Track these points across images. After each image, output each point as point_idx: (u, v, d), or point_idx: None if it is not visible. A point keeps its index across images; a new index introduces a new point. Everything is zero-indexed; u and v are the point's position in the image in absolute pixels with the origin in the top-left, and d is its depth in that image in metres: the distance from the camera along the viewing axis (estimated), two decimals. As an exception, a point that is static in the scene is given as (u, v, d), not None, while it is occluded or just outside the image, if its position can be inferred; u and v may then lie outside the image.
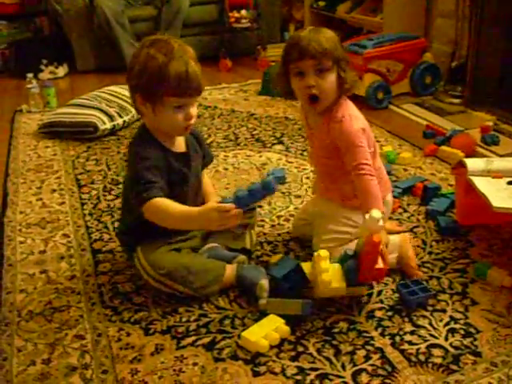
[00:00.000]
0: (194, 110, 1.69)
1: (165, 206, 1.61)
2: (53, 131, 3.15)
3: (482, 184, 1.86)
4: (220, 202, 1.59)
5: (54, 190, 2.51)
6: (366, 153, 1.72)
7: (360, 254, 1.59)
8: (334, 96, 1.75)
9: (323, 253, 1.62)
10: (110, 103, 3.26)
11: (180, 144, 1.79)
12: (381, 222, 1.59)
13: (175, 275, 1.68)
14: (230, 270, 1.75)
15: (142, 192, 1.63)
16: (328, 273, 1.60)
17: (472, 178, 1.90)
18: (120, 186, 2.51)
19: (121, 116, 3.20)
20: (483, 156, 2.55)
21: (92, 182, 2.57)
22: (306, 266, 1.70)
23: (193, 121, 1.70)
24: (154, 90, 1.61)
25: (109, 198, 2.41)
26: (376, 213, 1.59)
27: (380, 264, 1.58)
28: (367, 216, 1.60)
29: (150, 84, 1.61)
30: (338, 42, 1.74)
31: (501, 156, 2.57)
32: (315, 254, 1.64)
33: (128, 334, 1.60)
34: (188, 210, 1.63)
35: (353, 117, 1.75)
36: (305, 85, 1.71)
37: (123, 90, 3.43)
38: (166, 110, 1.65)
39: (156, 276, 1.70)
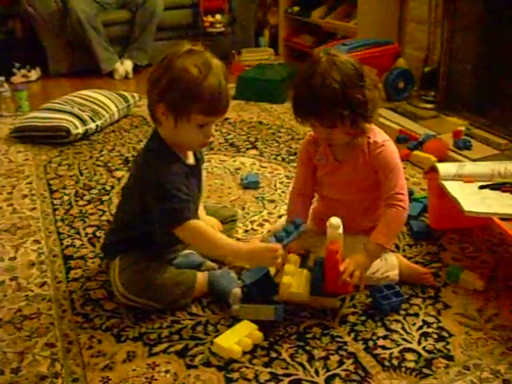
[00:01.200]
0: (213, 130, 1.65)
1: (204, 231, 1.62)
2: (24, 135, 3.12)
3: (453, 188, 1.88)
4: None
5: (26, 196, 2.48)
6: (404, 180, 1.72)
7: (324, 268, 1.61)
8: (351, 137, 1.69)
9: (292, 257, 1.65)
10: (82, 107, 3.23)
11: (190, 155, 1.74)
12: (340, 230, 1.58)
13: (146, 294, 1.66)
14: (202, 279, 1.73)
15: (176, 211, 1.59)
16: (290, 276, 1.62)
17: (444, 182, 1.92)
18: (92, 191, 2.48)
19: (94, 120, 3.17)
20: (455, 160, 2.57)
21: (64, 187, 2.54)
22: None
23: (211, 139, 1.67)
24: (183, 105, 1.54)
25: (81, 203, 2.39)
26: (335, 220, 1.58)
27: (341, 271, 1.57)
28: (328, 224, 1.59)
29: (181, 99, 1.53)
30: (352, 78, 1.59)
31: (473, 160, 2.59)
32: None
33: (99, 342, 1.58)
34: (236, 244, 1.69)
35: (390, 141, 1.73)
36: (317, 134, 1.71)
37: (96, 94, 3.40)
38: (189, 127, 1.58)
39: (127, 295, 1.67)
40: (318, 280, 1.62)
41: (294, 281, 1.62)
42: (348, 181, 1.76)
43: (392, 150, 1.71)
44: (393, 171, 1.68)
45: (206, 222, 1.75)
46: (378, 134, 1.73)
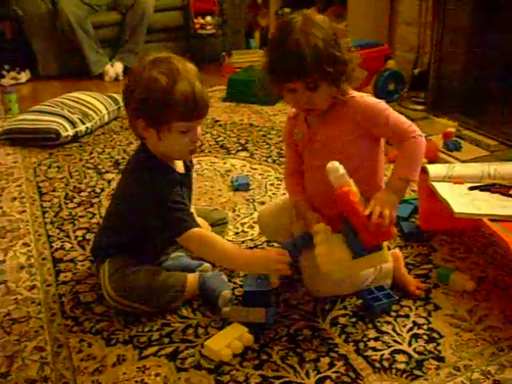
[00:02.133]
0: (199, 133, 1.61)
1: (211, 239, 1.60)
2: (14, 138, 3.11)
3: (443, 190, 1.88)
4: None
5: (15, 198, 2.46)
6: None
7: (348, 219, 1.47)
8: (328, 103, 1.61)
9: (320, 226, 1.54)
10: (72, 109, 3.21)
11: (180, 165, 1.73)
12: (342, 171, 1.44)
13: (136, 297, 1.65)
14: (192, 281, 1.72)
15: (181, 220, 1.58)
16: (324, 245, 1.51)
17: (434, 183, 1.92)
18: (82, 193, 2.47)
19: (83, 123, 3.16)
20: (446, 162, 2.57)
21: (54, 190, 2.53)
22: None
23: (198, 143, 1.64)
24: (159, 115, 1.52)
25: (70, 205, 2.37)
26: (332, 164, 1.45)
27: (367, 214, 1.43)
28: (326, 170, 1.46)
29: (156, 110, 1.51)
30: (332, 36, 1.53)
31: (463, 162, 2.59)
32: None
33: (89, 345, 1.57)
34: (250, 253, 1.71)
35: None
36: (296, 101, 1.59)
37: (86, 97, 3.39)
38: (172, 136, 1.56)
39: (116, 298, 1.66)
40: (351, 237, 1.47)
41: (330, 248, 1.50)
42: (330, 150, 1.63)
43: (377, 100, 1.61)
44: (387, 113, 1.57)
45: None
46: (355, 94, 1.63)
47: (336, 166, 1.44)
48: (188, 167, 1.76)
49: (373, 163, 1.69)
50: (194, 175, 2.56)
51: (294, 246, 1.64)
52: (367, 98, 1.61)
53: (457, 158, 2.69)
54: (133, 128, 1.63)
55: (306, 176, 1.77)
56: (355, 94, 1.63)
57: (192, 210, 1.84)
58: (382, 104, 1.60)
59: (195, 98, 1.52)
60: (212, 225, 1.95)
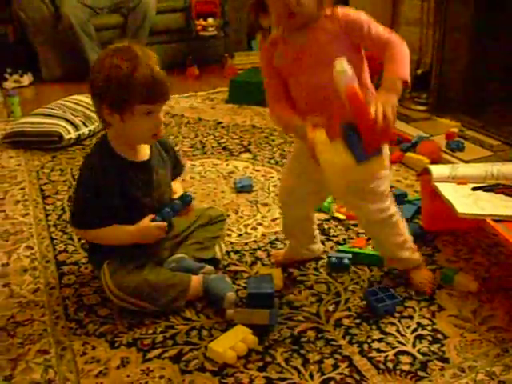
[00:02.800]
0: (162, 117, 1.67)
1: (102, 233, 1.70)
2: (17, 141, 3.11)
3: (447, 190, 1.88)
4: (152, 220, 1.72)
5: (18, 201, 2.47)
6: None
7: (355, 121, 1.40)
8: (314, 10, 1.55)
9: (321, 135, 1.47)
10: (75, 112, 3.22)
11: (143, 153, 1.76)
12: (350, 71, 1.39)
13: (140, 293, 1.66)
14: (196, 282, 1.73)
15: (77, 216, 1.71)
16: (327, 153, 1.44)
17: (437, 184, 1.92)
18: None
19: (86, 125, 3.16)
20: (449, 162, 2.57)
21: (57, 193, 2.53)
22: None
23: (162, 127, 1.68)
24: (122, 99, 1.59)
25: (74, 208, 2.37)
26: (338, 63, 1.39)
27: (373, 114, 1.37)
28: (334, 71, 1.40)
29: (118, 94, 1.58)
30: None
31: (466, 162, 2.59)
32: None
33: (93, 348, 1.57)
34: (127, 228, 1.71)
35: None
36: (283, 3, 1.52)
37: (88, 99, 3.35)
38: (135, 118, 1.61)
39: (120, 295, 1.67)
40: (355, 142, 1.39)
41: (334, 157, 1.43)
42: (319, 61, 1.58)
43: (357, 12, 1.59)
44: (369, 23, 1.56)
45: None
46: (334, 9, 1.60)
47: (345, 67, 1.39)
48: (152, 155, 1.79)
49: (358, 71, 1.57)
50: (197, 177, 2.60)
51: (174, 211, 1.77)
52: (348, 10, 1.59)
53: (460, 159, 2.69)
54: (99, 114, 1.69)
55: (296, 99, 1.68)
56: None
57: (177, 184, 1.94)
58: (363, 15, 1.58)
59: (155, 81, 1.59)
60: (210, 223, 1.95)
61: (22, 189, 2.60)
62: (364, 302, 1.71)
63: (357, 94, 1.36)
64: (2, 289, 1.85)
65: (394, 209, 1.73)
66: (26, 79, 4.47)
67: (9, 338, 1.62)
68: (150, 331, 1.62)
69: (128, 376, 1.47)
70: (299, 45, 1.61)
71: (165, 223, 1.72)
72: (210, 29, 4.61)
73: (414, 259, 1.78)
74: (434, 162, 2.56)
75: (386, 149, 1.61)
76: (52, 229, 2.21)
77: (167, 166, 1.84)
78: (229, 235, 2.11)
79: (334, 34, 1.57)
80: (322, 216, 2.20)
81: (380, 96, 1.45)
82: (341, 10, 1.58)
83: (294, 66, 1.63)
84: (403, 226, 1.77)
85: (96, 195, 1.66)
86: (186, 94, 4.01)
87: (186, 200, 1.80)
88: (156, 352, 1.54)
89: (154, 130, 1.66)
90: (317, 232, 1.95)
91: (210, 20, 4.63)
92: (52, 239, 2.14)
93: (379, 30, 1.56)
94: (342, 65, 1.38)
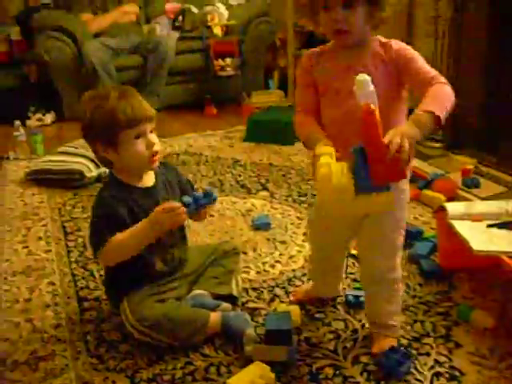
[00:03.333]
0: (153, 138, 1.73)
1: (115, 239, 1.67)
2: (39, 178, 3.18)
3: (462, 228, 1.90)
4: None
5: (40, 238, 2.52)
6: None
7: (364, 143, 1.30)
8: (365, 30, 1.52)
9: (326, 148, 1.40)
10: (96, 151, 3.28)
11: (148, 180, 1.82)
12: (371, 87, 1.31)
13: (159, 327, 1.69)
14: (214, 319, 1.75)
15: (94, 242, 1.71)
16: (328, 167, 1.33)
17: (453, 221, 1.94)
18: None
19: (107, 163, 3.22)
20: (465, 199, 2.59)
21: (78, 230, 2.58)
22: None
23: (156, 148, 1.74)
24: (108, 132, 1.69)
25: (95, 245, 2.42)
26: (362, 76, 1.31)
27: (386, 143, 1.27)
28: (356, 83, 1.32)
29: (104, 128, 1.68)
30: None
31: (482, 199, 2.61)
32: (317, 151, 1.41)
33: (114, 383, 1.59)
34: (136, 226, 1.69)
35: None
36: (330, 19, 1.47)
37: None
38: (126, 146, 1.70)
39: (140, 328, 1.69)
40: (361, 168, 1.30)
41: (334, 173, 1.31)
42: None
43: (403, 44, 1.54)
44: (421, 59, 1.49)
45: None
46: (386, 39, 1.56)
47: (367, 80, 1.30)
48: (157, 180, 1.83)
49: (395, 110, 1.55)
50: (216, 215, 2.63)
51: (196, 201, 1.71)
52: (397, 41, 1.54)
53: (476, 195, 2.70)
54: (97, 156, 1.78)
55: (327, 124, 1.59)
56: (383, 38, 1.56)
57: None
58: (412, 49, 1.52)
59: (133, 107, 1.69)
60: (224, 257, 1.98)
61: (44, 225, 2.65)
62: (381, 339, 1.71)
63: (372, 112, 1.26)
64: (24, 324, 1.88)
65: (400, 271, 1.68)
66: (49, 118, 4.59)
67: (31, 372, 1.65)
68: (170, 367, 1.64)
69: (148, 411, 1.48)
70: (345, 64, 1.54)
71: (176, 204, 1.68)
72: (228, 69, 4.71)
73: (397, 329, 1.71)
74: (451, 199, 2.58)
75: (405, 187, 1.60)
76: (73, 265, 2.25)
77: (175, 191, 1.88)
78: (247, 272, 2.13)
79: (383, 63, 1.51)
80: (339, 253, 2.22)
81: (402, 126, 1.36)
82: (394, 40, 1.54)
83: (335, 83, 1.55)
84: (401, 294, 1.74)
85: (109, 223, 1.70)
86: (204, 133, 4.08)
87: (209, 193, 1.75)
88: (175, 388, 1.56)
89: (147, 151, 1.72)
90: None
91: (228, 60, 4.73)
92: (73, 275, 2.18)
93: (427, 66, 1.49)
94: (364, 75, 1.31)
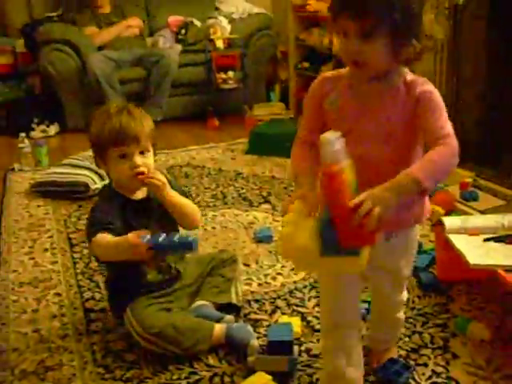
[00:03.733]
0: (139, 160, 1.79)
1: (103, 239, 1.72)
2: (44, 190, 3.23)
3: (459, 242, 1.94)
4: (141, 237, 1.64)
5: (46, 249, 2.56)
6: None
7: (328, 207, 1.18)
8: (387, 64, 1.32)
9: (296, 205, 1.27)
10: (100, 163, 3.33)
11: (141, 192, 1.89)
12: (337, 146, 1.14)
13: (164, 335, 1.73)
14: (218, 330, 1.79)
15: (90, 232, 1.77)
16: (293, 226, 1.23)
17: (450, 236, 1.98)
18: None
19: (111, 175, 3.27)
20: (463, 212, 2.62)
21: (84, 241, 2.60)
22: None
23: (142, 169, 1.79)
24: (99, 147, 1.82)
25: (100, 256, 2.46)
26: (329, 134, 1.15)
27: (352, 206, 1.14)
28: (321, 140, 1.16)
29: (96, 143, 1.83)
30: None
31: (480, 212, 2.64)
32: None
33: (120, 392, 1.64)
34: (120, 238, 1.69)
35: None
36: (346, 48, 1.30)
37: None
38: (112, 162, 1.81)
39: (145, 335, 1.74)
40: (326, 230, 1.18)
41: (299, 232, 1.22)
42: (376, 127, 1.35)
43: (436, 91, 1.34)
44: (440, 111, 1.31)
45: None
46: (414, 76, 1.37)
47: (330, 139, 1.14)
48: (150, 197, 1.88)
49: (408, 156, 1.38)
50: (218, 227, 2.67)
51: (159, 247, 1.62)
52: (425, 81, 1.36)
53: (474, 208, 2.73)
54: (97, 166, 1.93)
55: None
56: (413, 75, 1.37)
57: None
58: (438, 95, 1.34)
59: (121, 127, 1.77)
60: (223, 266, 2.03)
61: (50, 237, 2.70)
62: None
63: (333, 175, 1.14)
64: (32, 334, 1.92)
65: (403, 308, 1.71)
66: (53, 129, 4.64)
67: (39, 381, 1.69)
68: (175, 377, 1.68)
69: (154, 420, 1.52)
70: (360, 102, 1.37)
71: (138, 241, 1.61)
72: (230, 81, 4.76)
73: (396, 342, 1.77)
74: (448, 211, 2.61)
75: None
76: (79, 276, 2.30)
77: None
78: (249, 284, 2.17)
79: (402, 103, 1.34)
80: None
81: (377, 190, 1.19)
82: (421, 79, 1.36)
83: (346, 123, 1.36)
84: (403, 322, 1.74)
85: (101, 220, 1.77)
86: (206, 145, 4.13)
87: (186, 242, 1.63)
88: (180, 397, 1.60)
89: (129, 171, 1.79)
90: None
91: (230, 73, 4.78)
92: (79, 287, 2.22)
93: (444, 120, 1.31)
94: (329, 136, 1.15)
